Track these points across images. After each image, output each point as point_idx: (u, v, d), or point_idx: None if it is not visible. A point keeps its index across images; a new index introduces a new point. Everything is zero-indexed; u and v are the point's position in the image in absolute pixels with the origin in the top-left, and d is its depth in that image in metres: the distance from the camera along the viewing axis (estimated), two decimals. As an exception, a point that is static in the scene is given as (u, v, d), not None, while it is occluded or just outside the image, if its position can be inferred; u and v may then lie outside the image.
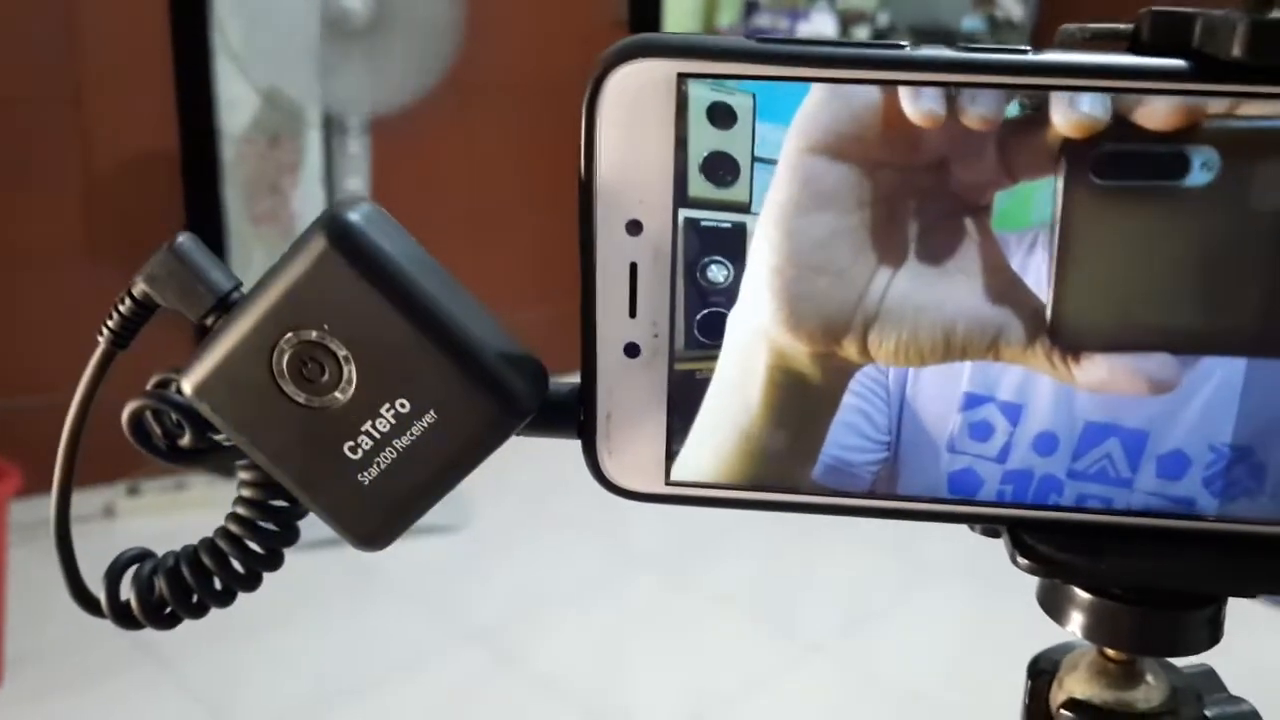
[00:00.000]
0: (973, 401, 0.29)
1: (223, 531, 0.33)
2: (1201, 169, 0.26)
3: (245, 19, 1.89)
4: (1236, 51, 0.25)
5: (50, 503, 0.33)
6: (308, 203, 2.24)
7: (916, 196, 0.27)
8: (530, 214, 1.96)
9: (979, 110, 0.26)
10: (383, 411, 0.28)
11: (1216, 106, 0.26)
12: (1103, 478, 0.29)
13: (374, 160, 2.07)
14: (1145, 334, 0.28)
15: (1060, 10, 3.28)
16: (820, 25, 3.00)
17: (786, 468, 0.30)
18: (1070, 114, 0.26)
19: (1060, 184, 0.27)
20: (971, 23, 3.29)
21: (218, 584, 0.33)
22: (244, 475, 0.32)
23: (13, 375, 2.01)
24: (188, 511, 1.94)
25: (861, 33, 3.16)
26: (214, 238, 2.14)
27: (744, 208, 0.28)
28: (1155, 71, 0.26)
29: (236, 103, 2.15)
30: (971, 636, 1.67)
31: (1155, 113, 0.26)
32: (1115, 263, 0.27)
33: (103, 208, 2.07)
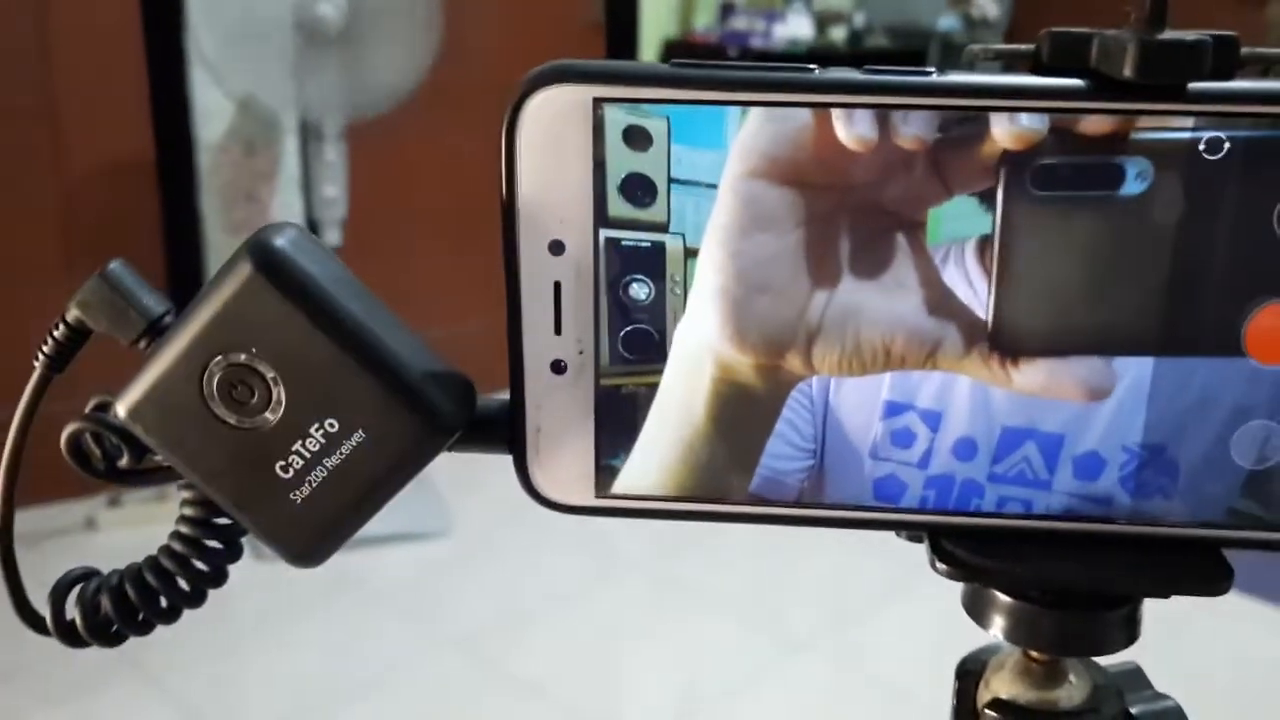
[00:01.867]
0: (894, 409, 0.30)
1: (166, 549, 0.34)
2: (1136, 179, 0.27)
3: (218, 27, 1.89)
4: (1127, 71, 0.26)
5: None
6: (285, 211, 2.24)
7: (851, 215, 0.28)
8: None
9: (911, 130, 0.27)
10: (312, 431, 0.29)
11: (1150, 120, 0.27)
12: (1022, 480, 0.30)
13: (351, 167, 2.07)
14: (1080, 337, 0.29)
15: (1034, 7, 3.30)
16: (796, 27, 3.01)
17: (722, 478, 0.31)
18: (1011, 127, 0.27)
19: (1000, 196, 0.28)
20: (947, 21, 3.30)
21: (163, 601, 0.34)
22: (184, 494, 0.33)
23: (-9, 388, 2.00)
24: (169, 523, 1.93)
25: (838, 33, 3.17)
26: (191, 247, 2.14)
27: (662, 227, 0.29)
28: (1053, 91, 0.27)
29: (211, 111, 2.15)
30: (957, 633, 1.68)
31: (1092, 126, 0.27)
32: (1053, 269, 0.28)
33: (79, 219, 2.07)
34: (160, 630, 0.34)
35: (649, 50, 2.87)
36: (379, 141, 2.14)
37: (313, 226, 2.13)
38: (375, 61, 1.96)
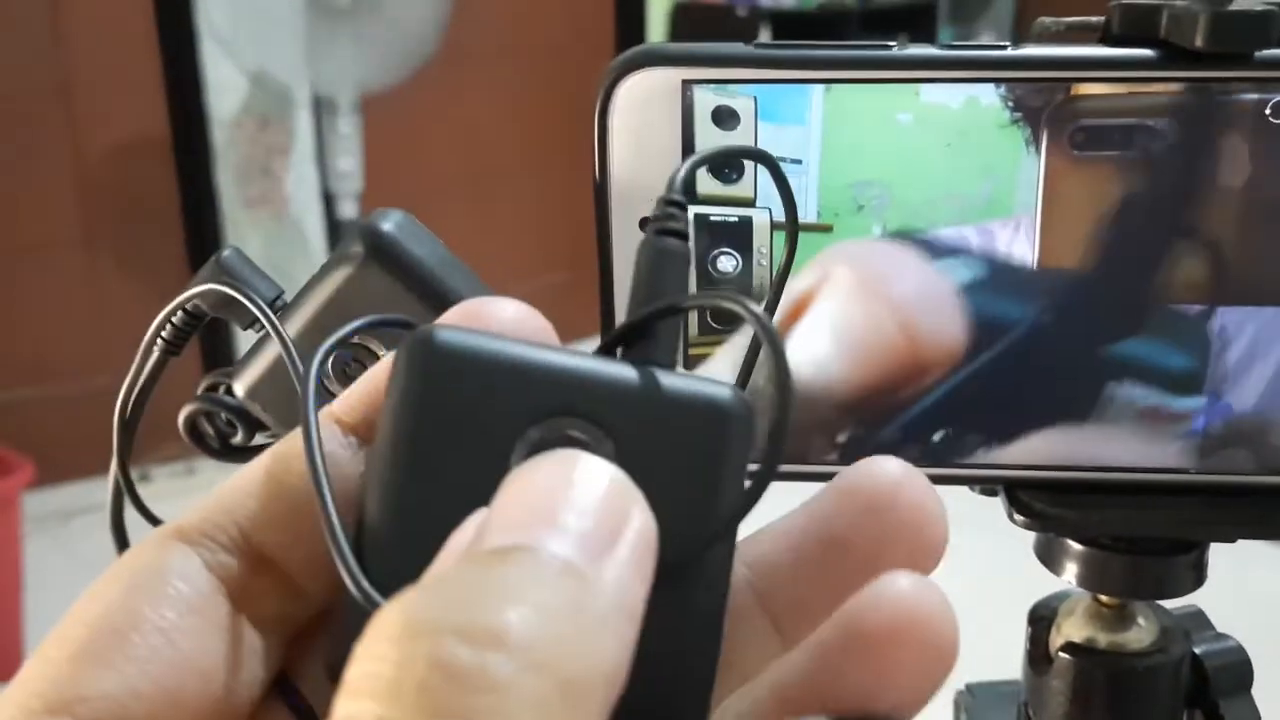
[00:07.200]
0: None
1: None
2: (1203, 141, 0.29)
3: (229, 1, 1.89)
4: (1199, 41, 0.27)
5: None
6: (301, 185, 2.25)
7: None
8: (526, 181, 1.98)
9: None
10: None
11: (1219, 87, 0.28)
12: None
13: (366, 138, 2.08)
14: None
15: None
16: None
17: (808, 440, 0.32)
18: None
19: (1042, 157, 0.29)
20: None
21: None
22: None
23: (19, 368, 2.02)
24: (199, 495, 1.95)
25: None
26: (209, 223, 2.15)
27: (749, 203, 0.30)
28: (1127, 61, 0.28)
29: (224, 86, 2.15)
30: (978, 582, 1.70)
31: (1165, 91, 0.29)
32: (1091, 223, 0.29)
33: (97, 197, 2.08)
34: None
35: (658, 10, 2.85)
36: (393, 112, 2.15)
37: (329, 199, 2.14)
38: (386, 32, 1.96)
